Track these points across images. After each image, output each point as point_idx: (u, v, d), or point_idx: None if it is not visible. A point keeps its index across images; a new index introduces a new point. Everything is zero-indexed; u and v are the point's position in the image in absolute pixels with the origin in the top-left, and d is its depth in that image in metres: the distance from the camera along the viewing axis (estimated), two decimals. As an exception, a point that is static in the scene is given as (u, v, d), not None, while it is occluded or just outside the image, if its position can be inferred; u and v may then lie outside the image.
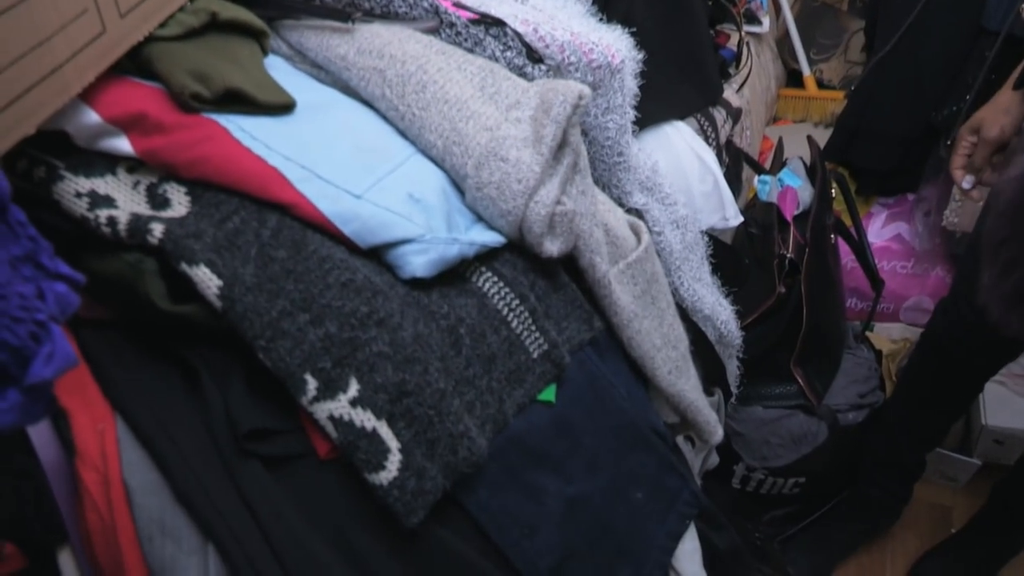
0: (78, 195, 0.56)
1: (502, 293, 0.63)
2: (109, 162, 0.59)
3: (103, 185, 0.57)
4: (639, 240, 0.79)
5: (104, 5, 0.59)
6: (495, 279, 0.64)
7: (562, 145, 0.70)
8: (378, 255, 0.58)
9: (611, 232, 0.75)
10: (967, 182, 1.31)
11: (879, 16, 1.83)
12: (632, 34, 0.93)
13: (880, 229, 1.85)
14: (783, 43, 2.23)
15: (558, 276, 0.69)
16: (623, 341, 0.74)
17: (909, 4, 1.67)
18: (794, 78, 2.24)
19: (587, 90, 0.68)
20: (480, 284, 0.63)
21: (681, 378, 0.80)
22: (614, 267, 0.73)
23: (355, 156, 0.62)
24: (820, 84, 2.21)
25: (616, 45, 0.93)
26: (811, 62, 2.20)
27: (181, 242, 0.52)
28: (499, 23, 0.82)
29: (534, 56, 0.83)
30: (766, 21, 2.07)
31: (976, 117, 1.31)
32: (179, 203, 0.56)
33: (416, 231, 0.57)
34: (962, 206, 1.63)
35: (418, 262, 0.57)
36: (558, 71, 0.84)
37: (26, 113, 0.53)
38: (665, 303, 0.82)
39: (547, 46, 0.83)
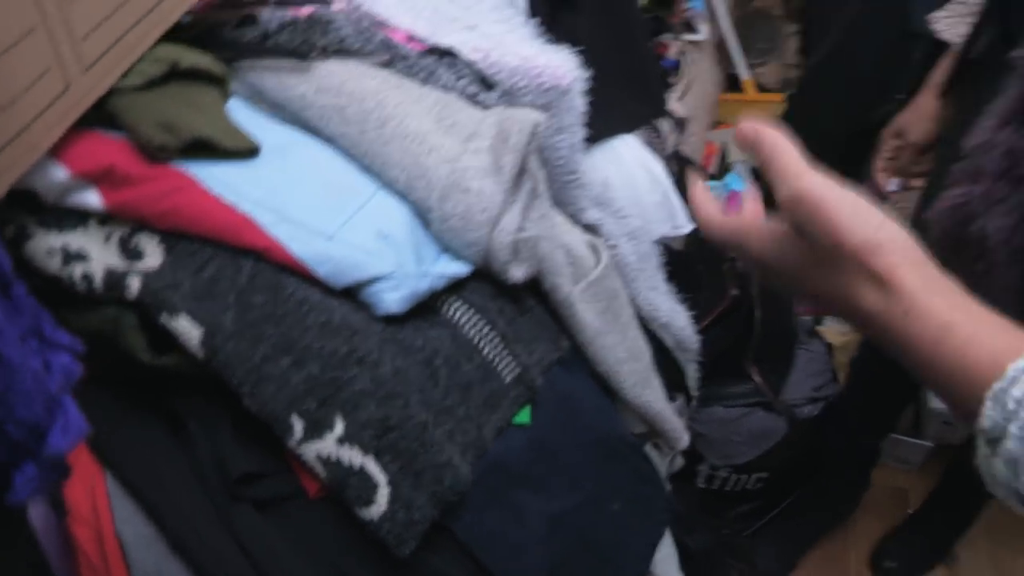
0: (50, 252, 0.57)
1: (473, 321, 0.65)
2: (80, 215, 0.60)
3: (75, 239, 0.58)
4: (598, 258, 0.82)
5: (67, 62, 0.60)
6: (465, 307, 0.66)
7: (521, 172, 0.73)
8: (352, 293, 0.60)
9: (571, 253, 0.78)
10: (892, 185, 1.36)
11: (811, 21, 1.89)
12: (578, 52, 0.96)
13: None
14: (722, 48, 2.28)
15: (524, 300, 0.71)
16: (589, 357, 0.77)
17: (839, 9, 1.73)
18: (734, 82, 2.29)
19: (542, 118, 0.70)
20: (451, 314, 0.65)
21: (647, 389, 0.82)
22: (576, 287, 0.75)
23: (323, 196, 0.63)
24: (759, 87, 2.27)
25: (564, 66, 0.95)
26: (749, 66, 2.25)
27: (159, 294, 0.53)
28: (450, 54, 0.84)
29: (486, 82, 0.85)
30: (704, 28, 2.12)
31: (899, 120, 1.36)
32: (153, 253, 0.57)
33: (387, 268, 0.59)
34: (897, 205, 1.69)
35: (391, 299, 0.58)
36: (510, 95, 0.86)
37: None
38: (627, 317, 0.85)
39: (498, 72, 0.86)
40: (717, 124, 2.26)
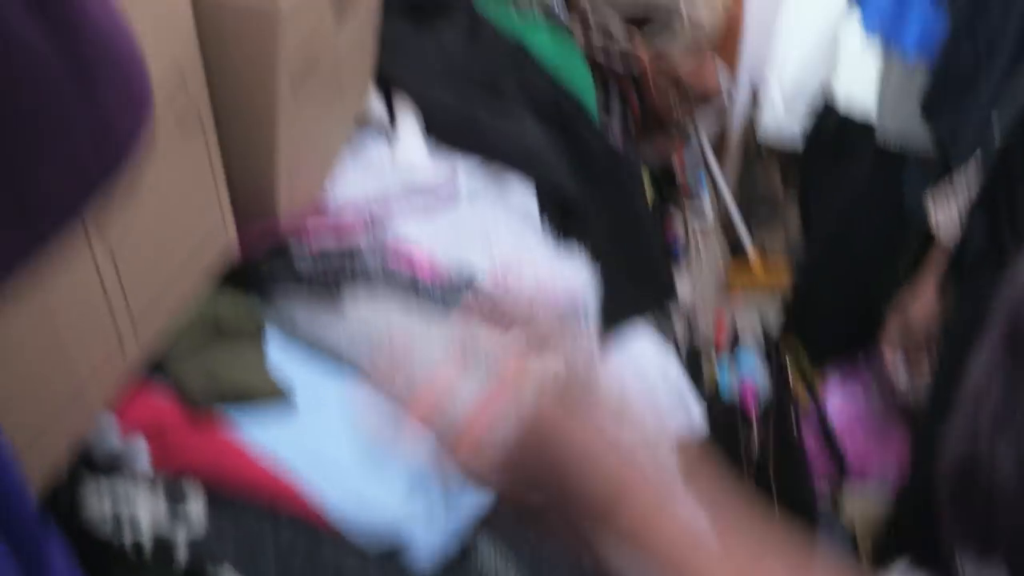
0: (102, 512, 0.60)
1: (499, 557, 0.68)
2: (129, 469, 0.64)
3: (123, 491, 0.62)
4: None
5: (122, 327, 0.66)
6: (490, 543, 0.69)
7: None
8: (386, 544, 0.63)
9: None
10: (899, 360, 1.41)
11: (809, 198, 1.98)
12: (589, 247, 1.03)
13: (836, 390, 1.92)
14: (725, 217, 2.37)
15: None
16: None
17: (837, 189, 1.81)
18: (740, 247, 2.37)
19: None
20: (478, 550, 0.68)
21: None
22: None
23: (355, 448, 0.68)
24: (764, 252, 2.34)
25: (577, 279, 1.02)
26: (753, 231, 2.33)
27: (206, 565, 0.56)
28: (470, 284, 0.90)
29: (505, 307, 0.91)
30: (705, 194, 2.21)
31: (902, 304, 1.41)
32: (198, 513, 0.61)
33: (419, 525, 0.63)
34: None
35: (424, 553, 0.62)
36: (528, 316, 0.92)
37: (58, 445, 0.59)
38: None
39: (517, 295, 0.92)
40: (727, 289, 2.33)
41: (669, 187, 2.01)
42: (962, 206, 1.31)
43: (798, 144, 1.91)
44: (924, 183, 1.66)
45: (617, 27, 1.99)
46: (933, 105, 1.57)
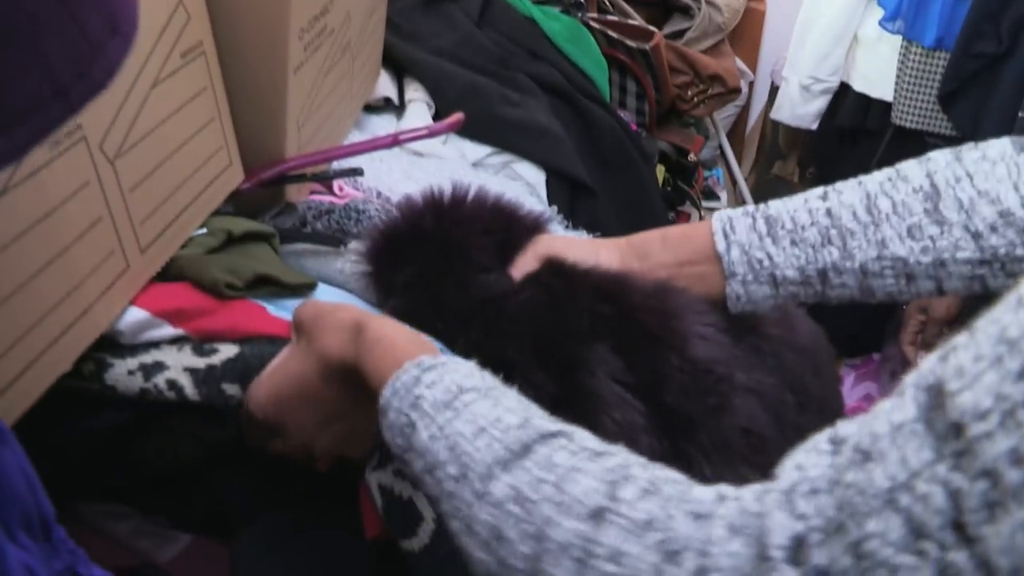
0: (130, 373, 0.66)
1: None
2: (151, 343, 0.69)
3: (149, 356, 0.68)
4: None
5: (128, 245, 0.69)
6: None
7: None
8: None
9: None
10: (919, 358, 1.42)
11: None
12: (597, 225, 1.07)
13: (850, 390, 1.94)
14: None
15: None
16: None
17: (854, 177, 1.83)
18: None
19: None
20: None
21: None
22: None
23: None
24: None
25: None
26: (770, 231, 2.36)
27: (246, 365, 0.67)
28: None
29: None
30: (723, 195, 2.24)
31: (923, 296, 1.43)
32: (226, 348, 0.69)
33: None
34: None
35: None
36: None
37: (62, 354, 0.62)
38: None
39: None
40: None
41: (685, 180, 2.03)
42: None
43: (813, 124, 1.93)
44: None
45: (632, 10, 2.02)
46: (953, 94, 1.59)
